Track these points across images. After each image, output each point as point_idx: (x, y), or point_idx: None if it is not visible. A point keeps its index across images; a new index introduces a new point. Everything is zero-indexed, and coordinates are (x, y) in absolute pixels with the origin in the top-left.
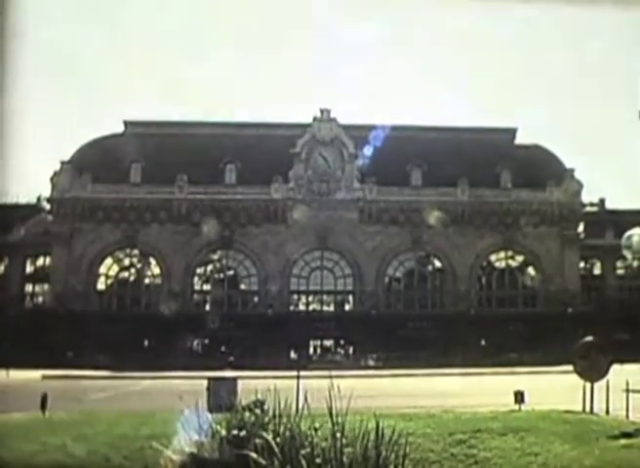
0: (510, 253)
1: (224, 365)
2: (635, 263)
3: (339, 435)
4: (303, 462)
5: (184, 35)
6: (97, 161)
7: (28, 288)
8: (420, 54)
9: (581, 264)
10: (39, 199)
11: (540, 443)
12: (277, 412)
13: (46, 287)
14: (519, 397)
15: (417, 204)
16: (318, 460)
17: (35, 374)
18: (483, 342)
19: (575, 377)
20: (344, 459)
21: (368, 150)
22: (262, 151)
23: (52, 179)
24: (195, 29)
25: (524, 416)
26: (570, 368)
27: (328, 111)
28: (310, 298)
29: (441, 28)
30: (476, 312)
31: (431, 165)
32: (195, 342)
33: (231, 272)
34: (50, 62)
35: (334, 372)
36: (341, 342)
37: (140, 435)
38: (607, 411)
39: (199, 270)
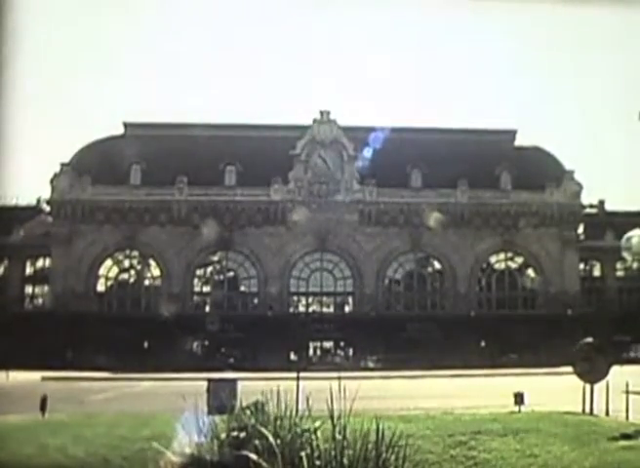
0: (510, 255)
1: (224, 366)
2: (635, 265)
3: (339, 436)
4: (304, 463)
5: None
6: (96, 163)
7: (28, 289)
8: None
9: (581, 266)
10: (39, 201)
11: (540, 444)
12: (277, 414)
13: (46, 288)
14: (519, 398)
15: (416, 205)
16: (318, 462)
17: (35, 376)
18: (483, 344)
19: (575, 379)
20: (345, 461)
21: (367, 152)
22: (262, 153)
23: (52, 181)
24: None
25: (524, 418)
26: (570, 369)
27: (328, 113)
28: (310, 300)
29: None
30: (476, 314)
31: (431, 166)
32: (195, 344)
33: (231, 274)
34: (50, 63)
35: (334, 374)
36: (341, 344)
37: (139, 436)
38: (607, 413)
39: (199, 272)
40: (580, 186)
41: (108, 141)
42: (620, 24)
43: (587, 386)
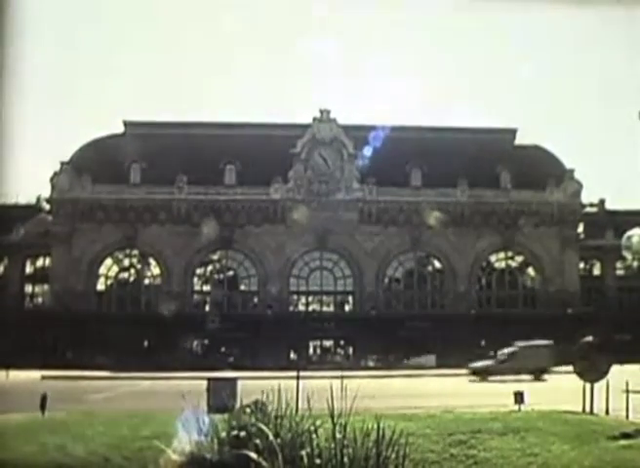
0: (510, 254)
1: (224, 365)
2: (635, 264)
3: (339, 435)
4: (304, 462)
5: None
6: (96, 161)
7: (28, 288)
8: None
9: (581, 265)
10: (39, 199)
11: (540, 443)
12: (277, 413)
13: (46, 287)
14: (519, 397)
15: (416, 204)
16: (319, 461)
17: (35, 375)
18: (483, 343)
19: (575, 378)
20: (345, 459)
21: (367, 150)
22: (262, 152)
23: (51, 180)
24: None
25: (524, 417)
26: (570, 368)
27: (328, 112)
28: (310, 299)
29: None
30: (476, 312)
31: (431, 165)
32: (195, 343)
33: (231, 273)
34: (50, 64)
35: (334, 373)
36: (341, 343)
37: (139, 435)
38: (607, 412)
39: (199, 271)
40: (580, 185)
41: (108, 140)
42: (620, 24)
43: (588, 385)
